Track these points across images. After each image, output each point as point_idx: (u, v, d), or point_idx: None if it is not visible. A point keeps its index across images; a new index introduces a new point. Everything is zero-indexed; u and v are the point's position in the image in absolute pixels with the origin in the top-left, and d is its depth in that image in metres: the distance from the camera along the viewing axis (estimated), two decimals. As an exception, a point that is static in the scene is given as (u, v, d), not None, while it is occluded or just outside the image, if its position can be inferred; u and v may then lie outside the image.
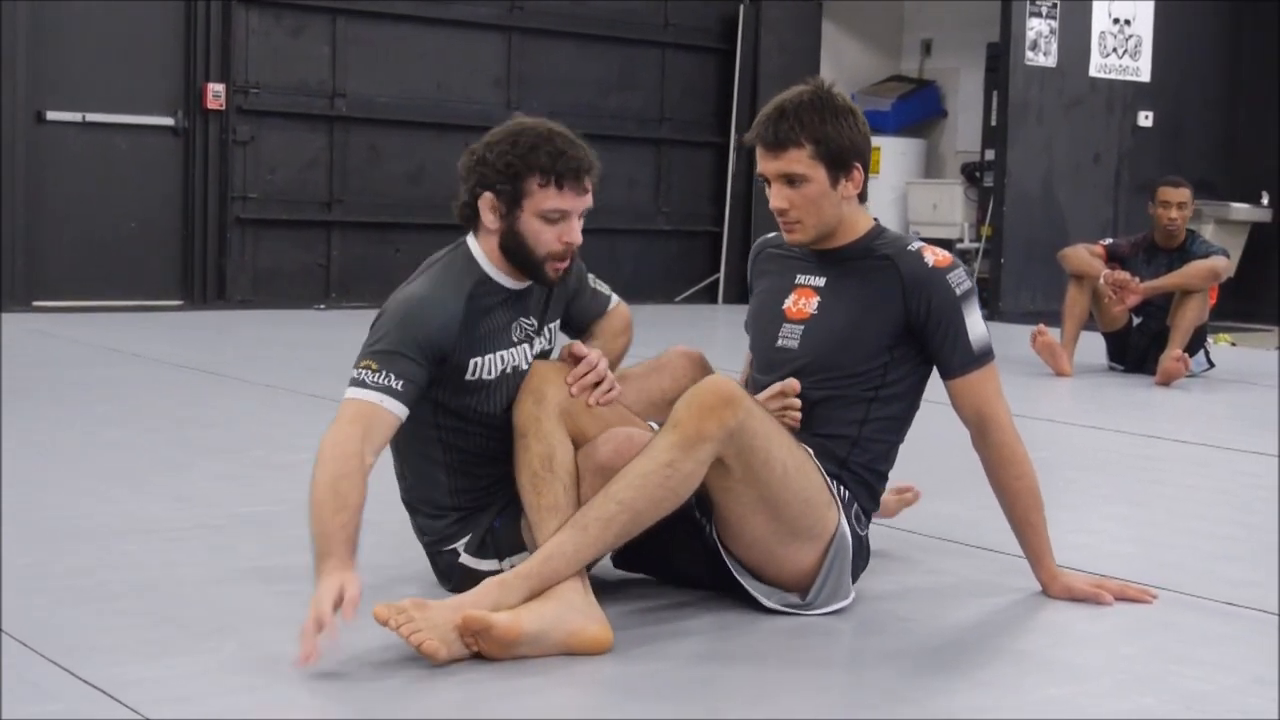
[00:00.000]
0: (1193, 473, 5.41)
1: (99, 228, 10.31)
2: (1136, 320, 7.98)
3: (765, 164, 3.33)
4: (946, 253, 3.40)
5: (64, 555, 3.61)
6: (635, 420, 3.27)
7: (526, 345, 3.27)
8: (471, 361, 3.17)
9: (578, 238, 3.18)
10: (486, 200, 3.15)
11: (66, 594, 3.26)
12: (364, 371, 3.05)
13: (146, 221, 10.50)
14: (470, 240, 3.24)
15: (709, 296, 12.65)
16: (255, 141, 10.76)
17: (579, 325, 3.47)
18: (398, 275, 11.56)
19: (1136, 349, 8.07)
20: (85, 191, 10.24)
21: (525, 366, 3.23)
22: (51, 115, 10.08)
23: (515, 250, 3.16)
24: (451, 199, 3.24)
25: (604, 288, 3.53)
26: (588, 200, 3.19)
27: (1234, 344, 10.49)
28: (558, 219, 3.14)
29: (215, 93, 10.51)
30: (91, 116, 10.22)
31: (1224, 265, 7.84)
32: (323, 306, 10.91)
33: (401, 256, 11.34)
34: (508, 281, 3.23)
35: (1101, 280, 7.75)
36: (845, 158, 3.32)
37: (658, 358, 3.53)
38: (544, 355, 3.33)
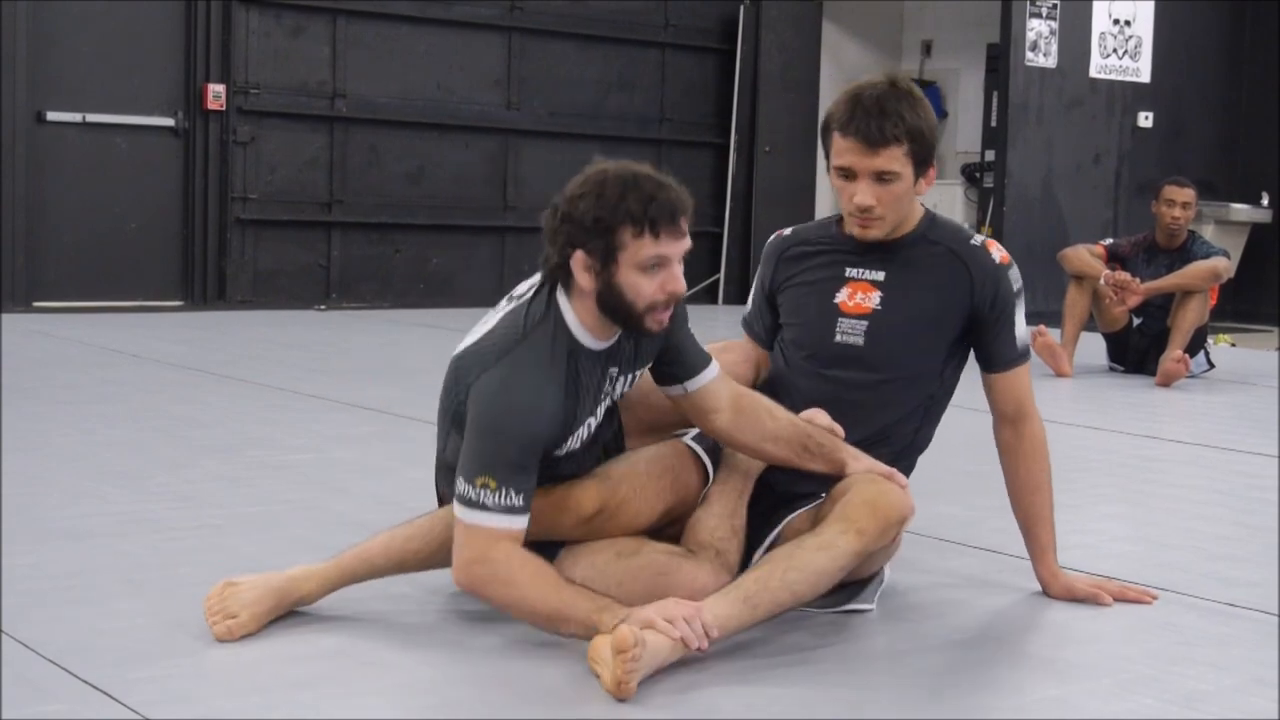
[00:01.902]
0: (1192, 473, 5.41)
1: (99, 228, 10.32)
2: (1137, 321, 7.99)
3: (858, 159, 3.25)
4: (1004, 250, 3.42)
5: (64, 555, 3.61)
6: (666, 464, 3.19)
7: (608, 397, 3.10)
8: (569, 439, 3.04)
9: (681, 285, 2.93)
10: (579, 260, 2.88)
11: (66, 594, 3.26)
12: (483, 491, 2.86)
13: (147, 222, 10.51)
14: (561, 299, 2.96)
15: (709, 297, 12.66)
16: (255, 142, 10.77)
17: (672, 375, 3.16)
18: (398, 275, 11.53)
19: (1137, 350, 8.07)
20: (85, 192, 10.25)
21: (598, 420, 3.09)
22: (52, 115, 10.09)
23: (615, 307, 2.91)
24: (540, 258, 2.99)
25: (702, 347, 3.21)
26: (686, 243, 2.92)
27: (1234, 344, 10.50)
28: (657, 267, 2.89)
29: (215, 93, 10.52)
30: (92, 117, 10.23)
31: (1225, 266, 7.84)
32: (323, 307, 10.91)
33: (401, 257, 11.36)
34: (601, 344, 3.00)
35: (1102, 281, 7.75)
36: (930, 156, 3.31)
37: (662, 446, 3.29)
38: (613, 413, 3.18)
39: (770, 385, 3.43)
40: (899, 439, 3.41)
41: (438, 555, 3.02)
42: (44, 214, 10.09)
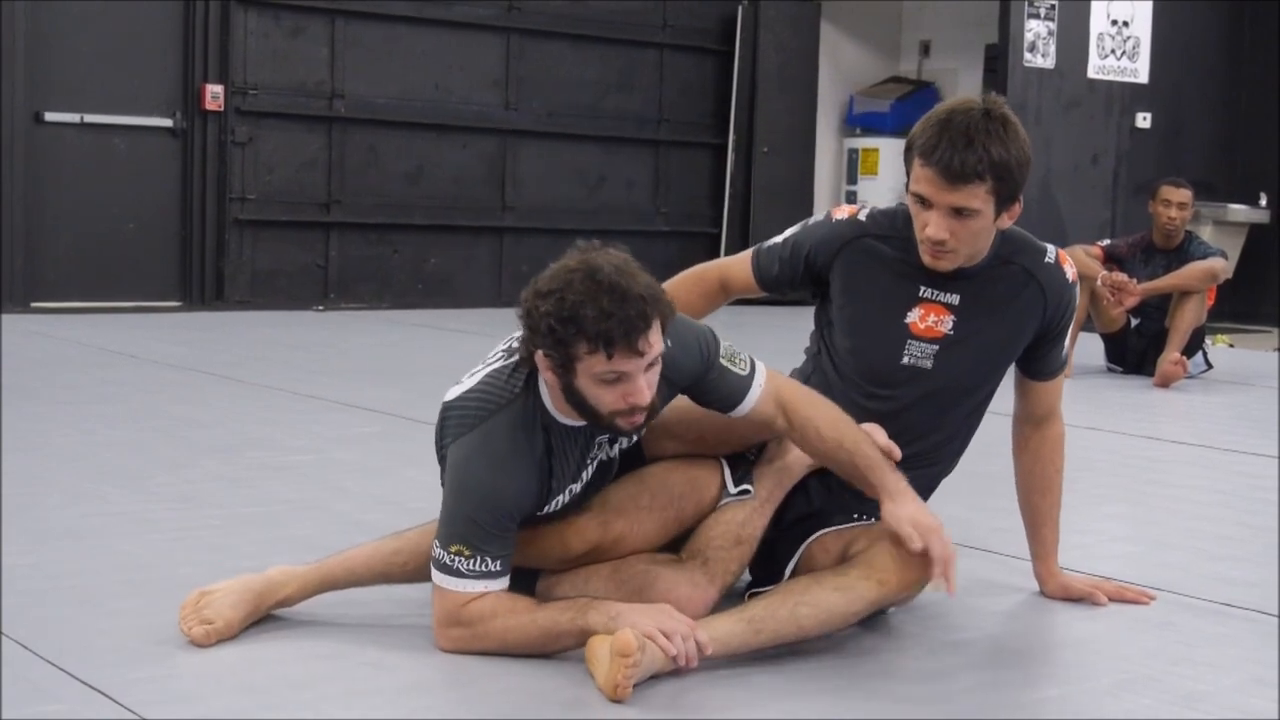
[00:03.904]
0: (1191, 474, 5.41)
1: (97, 229, 10.31)
2: (1135, 322, 7.99)
3: (937, 192, 3.06)
4: (1069, 257, 3.36)
5: (63, 556, 3.61)
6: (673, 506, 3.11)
7: (595, 461, 3.03)
8: (546, 506, 2.99)
9: (644, 397, 2.78)
10: (541, 359, 2.81)
11: (66, 594, 3.26)
12: (457, 558, 2.85)
13: (145, 222, 10.50)
14: (540, 380, 2.90)
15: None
16: (254, 142, 10.77)
17: (711, 405, 3.07)
18: (396, 276, 11.46)
19: (1135, 351, 8.08)
20: (83, 192, 10.24)
21: (585, 482, 3.03)
22: (50, 116, 10.08)
23: (580, 406, 2.83)
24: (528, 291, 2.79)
25: (741, 365, 3.04)
26: (647, 358, 2.76)
27: (1232, 345, 10.50)
28: (615, 380, 2.76)
29: (213, 94, 10.52)
30: (90, 117, 10.22)
31: (1222, 267, 7.85)
32: (321, 307, 10.90)
33: (399, 257, 11.35)
34: (579, 422, 2.91)
35: (1099, 282, 7.75)
36: (1016, 191, 3.11)
37: (689, 471, 3.17)
38: (610, 463, 3.07)
39: (818, 389, 3.27)
40: (946, 457, 3.40)
41: (423, 570, 3.00)
42: (42, 214, 10.08)
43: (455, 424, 2.93)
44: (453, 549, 2.86)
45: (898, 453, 3.17)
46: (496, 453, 2.87)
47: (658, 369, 2.82)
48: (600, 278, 2.71)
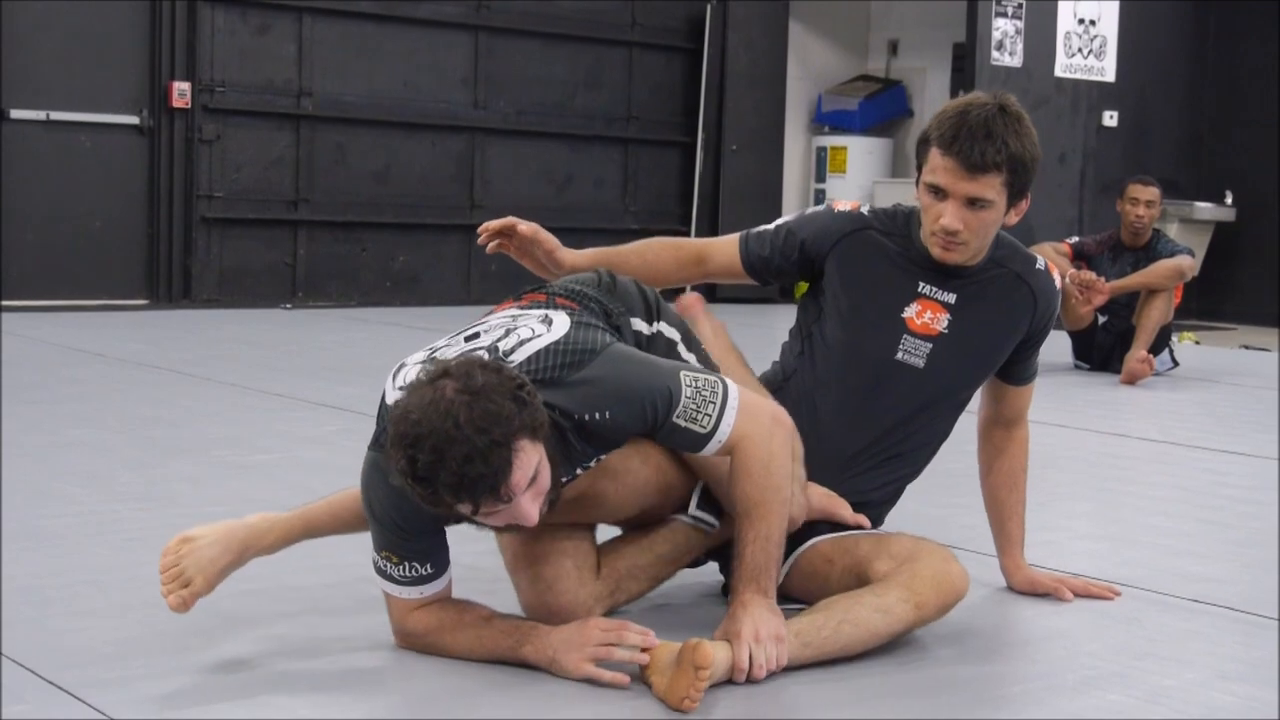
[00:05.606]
0: (1157, 471, 5.43)
1: (63, 227, 10.26)
2: (1102, 319, 8.02)
3: (953, 181, 3.10)
4: (1039, 256, 3.40)
5: (29, 556, 3.59)
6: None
7: None
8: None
9: (529, 519, 2.62)
10: None
11: (32, 595, 3.24)
12: (387, 563, 2.83)
13: (111, 220, 10.46)
14: None
15: (674, 294, 12.62)
16: (221, 140, 10.73)
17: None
18: (364, 274, 11.39)
19: (1102, 348, 8.11)
20: (49, 190, 10.19)
21: None
22: (15, 114, 10.03)
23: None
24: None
25: (704, 422, 2.81)
26: (518, 493, 2.57)
27: (1198, 342, 10.55)
28: (490, 515, 2.62)
29: (180, 91, 10.48)
30: (56, 115, 10.17)
31: (1189, 264, 7.90)
32: (289, 306, 10.87)
33: (368, 256, 11.33)
34: None
35: (1067, 279, 7.78)
36: (1026, 187, 3.16)
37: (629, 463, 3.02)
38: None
39: (798, 390, 3.31)
40: (918, 461, 3.39)
41: None
42: (8, 213, 10.03)
43: (385, 429, 2.72)
44: (381, 553, 2.84)
45: (866, 524, 3.19)
46: (384, 484, 2.75)
47: (543, 480, 2.62)
48: (449, 429, 2.49)
